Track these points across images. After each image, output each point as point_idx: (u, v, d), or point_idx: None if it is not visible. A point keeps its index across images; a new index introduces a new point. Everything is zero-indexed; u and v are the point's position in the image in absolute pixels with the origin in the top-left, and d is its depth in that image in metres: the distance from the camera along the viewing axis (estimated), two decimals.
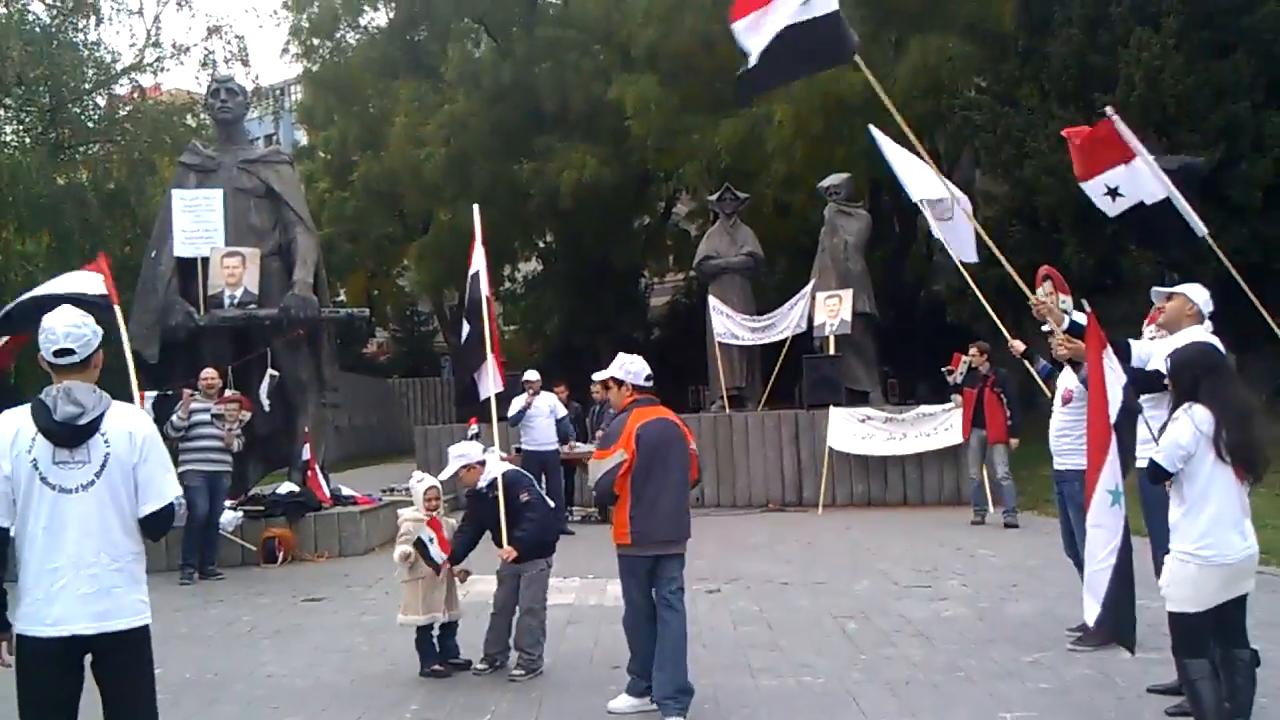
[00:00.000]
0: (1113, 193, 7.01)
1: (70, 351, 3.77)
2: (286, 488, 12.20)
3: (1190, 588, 4.59)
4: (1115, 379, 5.12)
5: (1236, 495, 4.61)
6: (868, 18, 20.00)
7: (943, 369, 13.46)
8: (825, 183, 17.57)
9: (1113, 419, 5.03)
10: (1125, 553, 4.92)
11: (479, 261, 8.02)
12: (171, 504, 3.82)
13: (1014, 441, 12.29)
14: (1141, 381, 5.51)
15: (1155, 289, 6.00)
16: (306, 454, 12.32)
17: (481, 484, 6.72)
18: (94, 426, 3.69)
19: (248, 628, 8.37)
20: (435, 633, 6.76)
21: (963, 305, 18.69)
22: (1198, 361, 4.80)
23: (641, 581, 5.81)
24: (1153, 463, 4.70)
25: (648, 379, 6.00)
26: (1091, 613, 5.02)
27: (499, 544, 6.57)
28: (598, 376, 6.21)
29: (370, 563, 11.26)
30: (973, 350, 12.57)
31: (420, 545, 6.49)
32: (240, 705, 6.22)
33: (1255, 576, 4.78)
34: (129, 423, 3.79)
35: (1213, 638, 4.67)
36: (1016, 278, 6.64)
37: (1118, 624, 5.03)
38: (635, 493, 5.69)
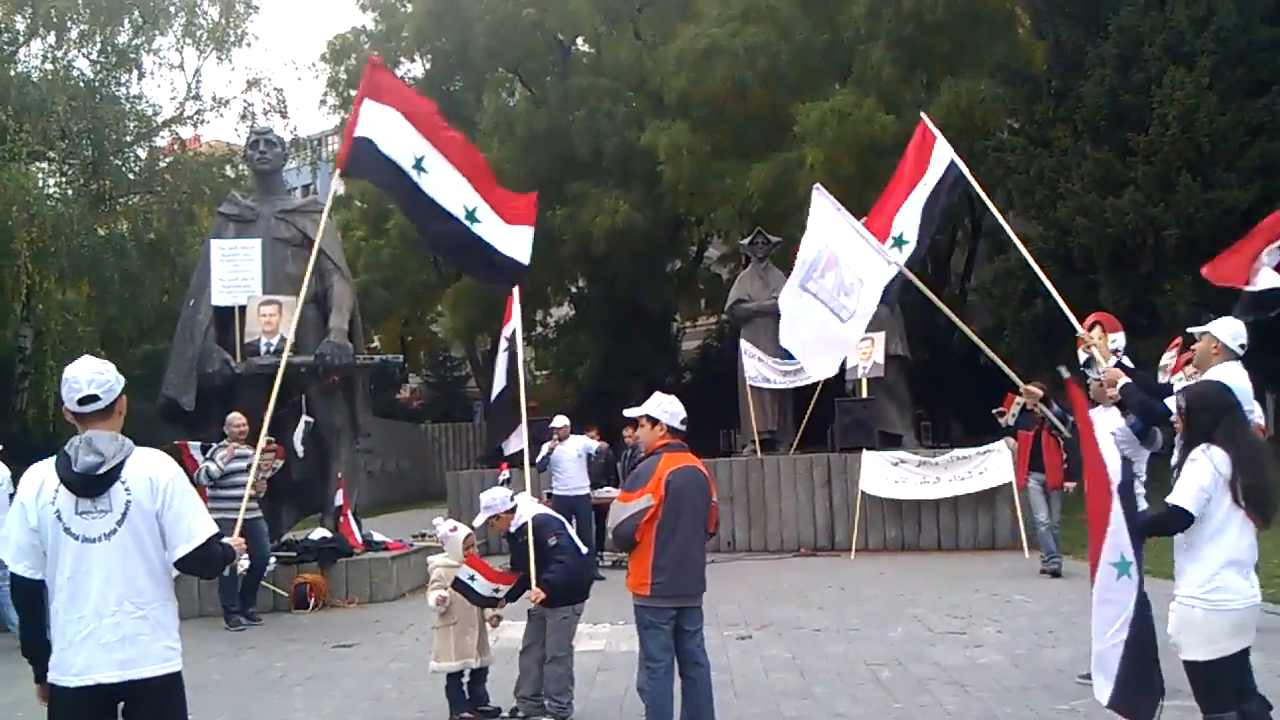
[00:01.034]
0: None
1: (95, 398, 3.79)
2: (319, 533, 12.27)
3: (1199, 634, 4.46)
4: (1110, 446, 4.87)
5: (1249, 540, 4.50)
6: (899, 60, 20.12)
7: (994, 410, 13.13)
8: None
9: (1115, 482, 4.72)
10: (1137, 626, 4.61)
11: (515, 320, 8.00)
12: (207, 543, 3.81)
13: (1070, 485, 11.61)
14: (1149, 414, 5.49)
15: (1190, 330, 5.94)
16: (339, 499, 12.38)
17: (513, 528, 6.72)
18: (113, 475, 3.70)
19: (279, 674, 8.38)
20: (465, 679, 6.74)
21: (997, 345, 18.54)
22: (1215, 401, 4.68)
23: (666, 638, 5.60)
24: (1177, 509, 4.49)
25: (683, 423, 5.83)
26: (1104, 691, 4.70)
27: (530, 586, 6.55)
28: (631, 413, 5.99)
29: (401, 609, 11.26)
30: (1030, 390, 12.05)
31: (461, 585, 6.42)
32: None
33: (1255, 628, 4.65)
34: (150, 469, 3.78)
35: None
36: (1066, 309, 6.57)
37: (1134, 702, 4.68)
38: (660, 541, 5.50)
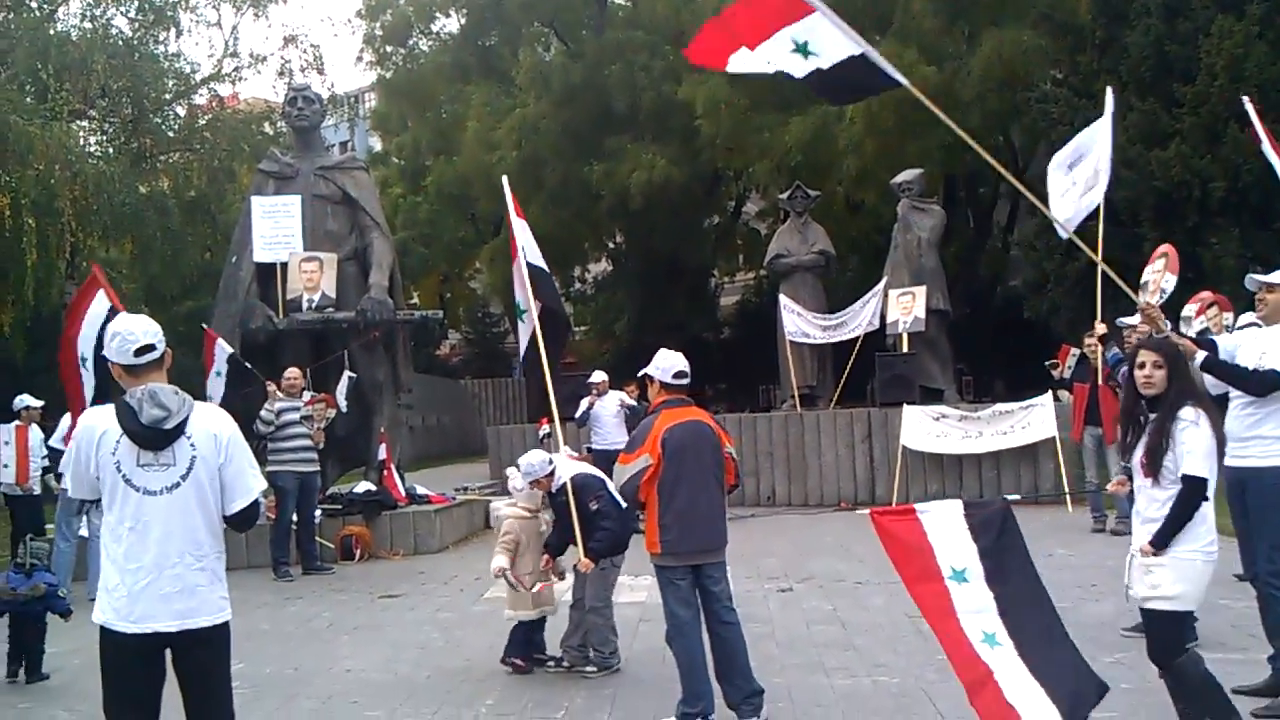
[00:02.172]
0: None
1: (152, 347, 3.84)
2: (363, 487, 12.45)
3: (1195, 586, 4.49)
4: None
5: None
6: (940, 10, 19.85)
7: (1047, 363, 12.77)
8: (898, 179, 17.38)
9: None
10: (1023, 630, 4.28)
11: (523, 234, 7.76)
12: (257, 499, 3.91)
13: None
14: (1250, 383, 5.32)
15: (1251, 276, 5.63)
16: (382, 454, 12.54)
17: (553, 488, 6.75)
18: (180, 430, 3.75)
19: (326, 624, 8.53)
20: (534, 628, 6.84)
21: (1040, 300, 18.39)
22: (1182, 356, 4.67)
23: (685, 593, 5.53)
24: (1201, 480, 4.38)
25: (676, 376, 5.68)
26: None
27: (574, 544, 6.58)
28: (642, 374, 5.90)
29: (445, 560, 11.43)
30: (1091, 339, 10.72)
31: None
32: (320, 700, 6.33)
33: None
34: (212, 424, 3.85)
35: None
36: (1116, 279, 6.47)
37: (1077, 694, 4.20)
38: (664, 500, 5.45)
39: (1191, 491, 4.40)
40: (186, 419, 3.77)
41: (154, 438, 3.72)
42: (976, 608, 4.32)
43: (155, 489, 3.73)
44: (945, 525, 4.38)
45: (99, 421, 3.80)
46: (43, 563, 6.91)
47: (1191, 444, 4.38)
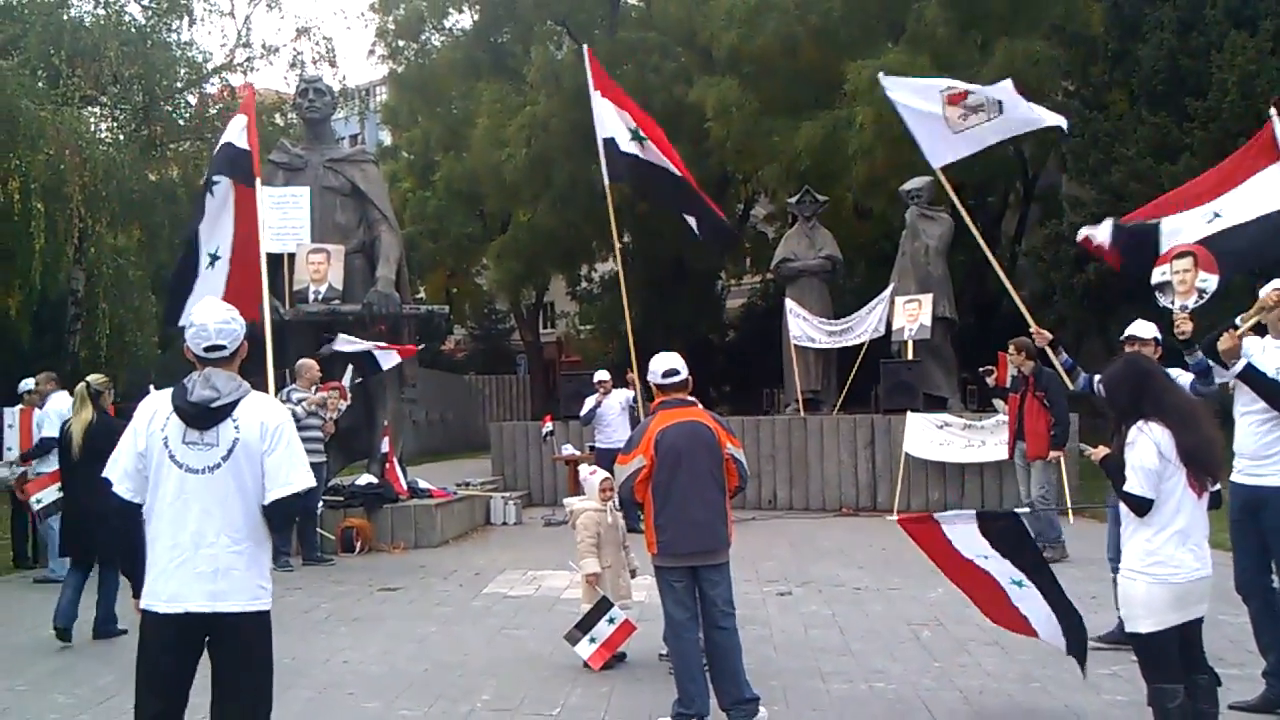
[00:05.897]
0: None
1: (221, 347, 3.92)
2: (365, 479, 12.47)
3: (1141, 607, 4.39)
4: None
5: (1190, 510, 4.38)
6: (953, 19, 19.80)
7: (981, 369, 12.48)
8: (907, 186, 17.37)
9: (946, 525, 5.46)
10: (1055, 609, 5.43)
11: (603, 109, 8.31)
12: (299, 494, 3.89)
13: (1055, 454, 10.52)
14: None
15: (1272, 286, 5.54)
16: (385, 447, 12.57)
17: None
18: (226, 411, 3.80)
19: (325, 615, 8.54)
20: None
21: (1047, 311, 18.36)
22: (1130, 374, 4.60)
23: (680, 596, 5.54)
24: (1134, 498, 4.35)
25: (666, 375, 5.71)
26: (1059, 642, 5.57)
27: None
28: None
29: (445, 554, 11.44)
30: (1010, 348, 10.66)
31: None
32: (317, 690, 6.34)
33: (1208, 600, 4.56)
34: (262, 412, 3.89)
35: None
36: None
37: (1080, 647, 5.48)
38: (659, 500, 5.48)
39: (1130, 506, 4.41)
40: (235, 403, 3.83)
41: (199, 415, 3.78)
42: (1002, 571, 5.41)
43: (197, 467, 3.78)
44: (962, 534, 5.36)
45: (155, 402, 3.89)
46: None
47: (1131, 463, 4.38)
